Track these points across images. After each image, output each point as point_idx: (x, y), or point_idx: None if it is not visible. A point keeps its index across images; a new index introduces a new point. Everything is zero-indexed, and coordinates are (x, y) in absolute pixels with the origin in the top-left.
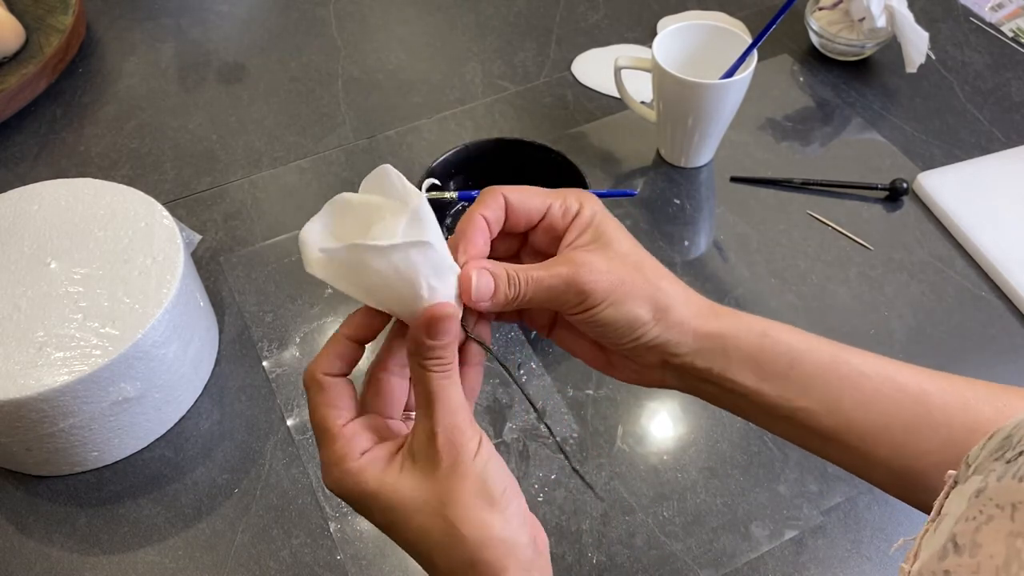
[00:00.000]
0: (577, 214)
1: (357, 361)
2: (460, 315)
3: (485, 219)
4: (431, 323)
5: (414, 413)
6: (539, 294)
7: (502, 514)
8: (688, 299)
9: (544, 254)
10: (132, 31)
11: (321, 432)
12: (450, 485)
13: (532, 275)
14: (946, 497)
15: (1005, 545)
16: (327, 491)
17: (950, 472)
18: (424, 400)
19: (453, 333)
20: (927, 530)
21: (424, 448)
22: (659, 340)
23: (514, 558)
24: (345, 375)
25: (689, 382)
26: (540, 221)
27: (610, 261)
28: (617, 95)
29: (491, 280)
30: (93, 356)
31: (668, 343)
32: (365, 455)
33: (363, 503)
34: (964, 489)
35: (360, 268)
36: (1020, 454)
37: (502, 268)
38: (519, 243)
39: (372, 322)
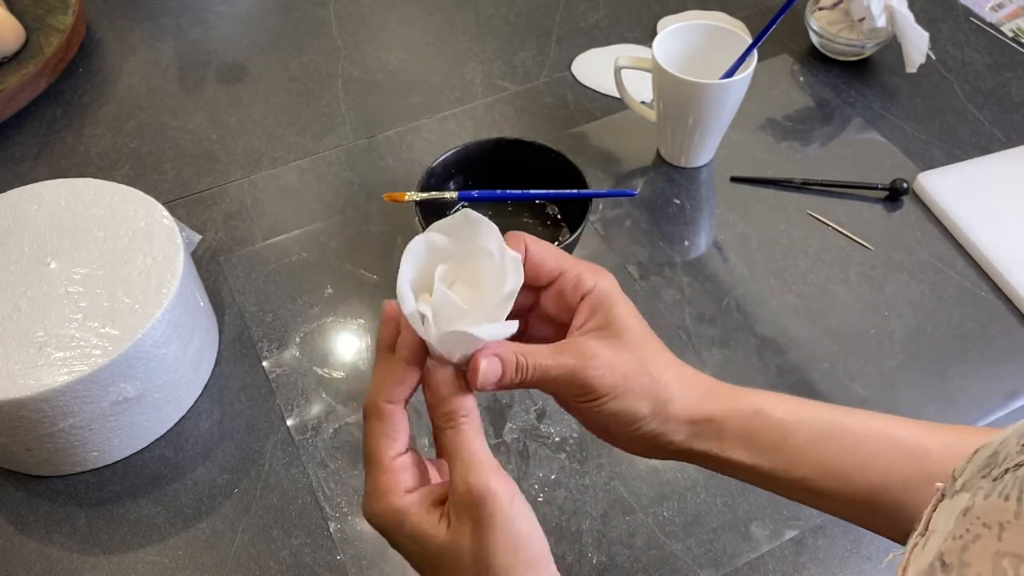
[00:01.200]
0: (589, 292)
1: (416, 386)
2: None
3: None
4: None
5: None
6: (543, 383)
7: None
8: (687, 386)
9: (549, 319)
10: (132, 31)
11: (371, 461)
12: (484, 543)
13: (539, 363)
14: (933, 510)
15: (991, 564)
16: (328, 491)
17: (938, 484)
18: (452, 454)
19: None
20: (915, 544)
21: (462, 501)
22: (656, 431)
23: None
24: (404, 402)
25: (687, 458)
26: (551, 284)
27: (617, 354)
28: (617, 95)
29: (498, 367)
30: (93, 356)
31: (664, 433)
32: (409, 495)
33: (399, 539)
34: (951, 505)
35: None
36: (1006, 471)
37: (512, 354)
38: (533, 298)
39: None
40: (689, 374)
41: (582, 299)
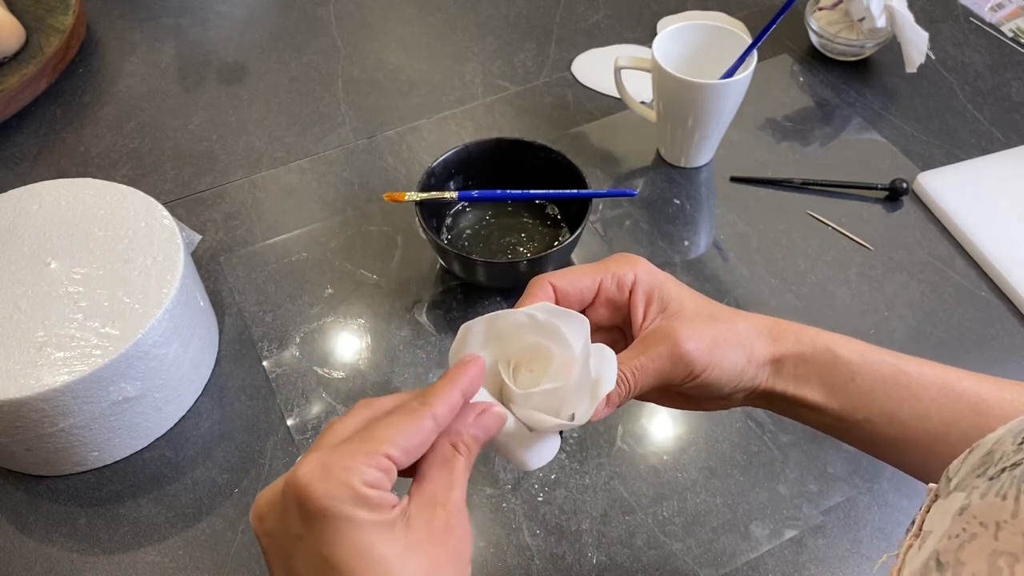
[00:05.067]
0: (634, 285)
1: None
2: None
3: None
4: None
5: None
6: (648, 380)
7: None
8: (758, 327)
9: (606, 329)
10: (132, 31)
11: (365, 433)
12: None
13: (636, 364)
14: (927, 511)
15: (987, 563)
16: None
17: (931, 485)
18: (446, 478)
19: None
20: (910, 545)
21: (426, 520)
22: (752, 378)
23: None
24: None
25: (761, 401)
26: (595, 298)
27: (694, 324)
28: (617, 95)
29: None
30: (93, 356)
31: (756, 377)
32: (374, 489)
33: (326, 530)
34: (946, 505)
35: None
36: (1003, 471)
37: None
38: None
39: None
40: (754, 317)
41: (630, 294)
